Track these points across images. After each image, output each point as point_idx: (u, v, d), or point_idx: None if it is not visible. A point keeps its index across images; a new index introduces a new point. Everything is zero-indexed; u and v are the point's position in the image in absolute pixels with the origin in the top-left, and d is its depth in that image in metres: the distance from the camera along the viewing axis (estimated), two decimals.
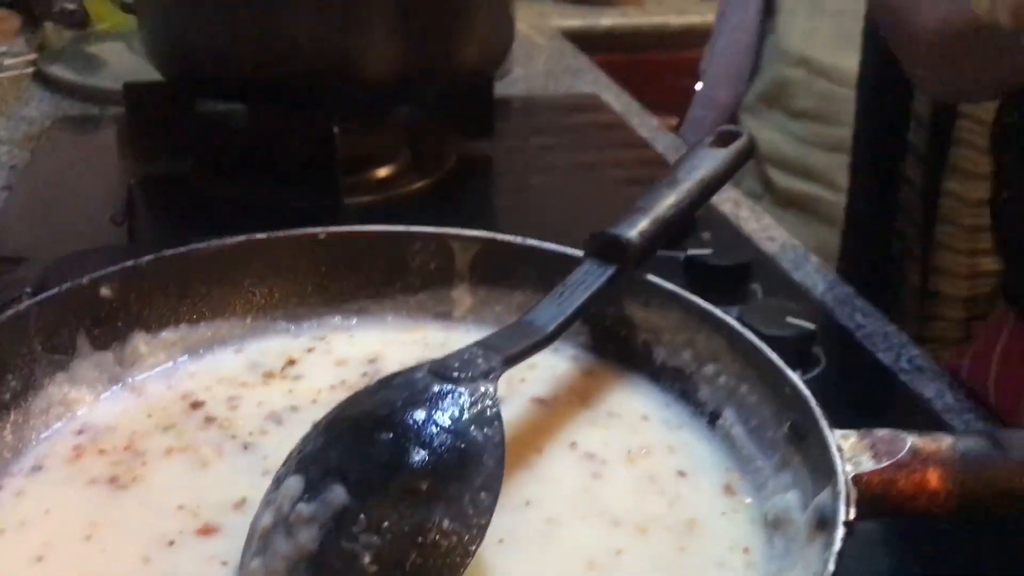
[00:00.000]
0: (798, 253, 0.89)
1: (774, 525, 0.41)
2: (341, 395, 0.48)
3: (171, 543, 0.40)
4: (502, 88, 1.01)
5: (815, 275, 0.87)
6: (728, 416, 0.46)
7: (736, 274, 0.80)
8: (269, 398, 0.48)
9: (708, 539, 0.41)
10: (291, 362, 0.51)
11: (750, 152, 0.57)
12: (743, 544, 0.40)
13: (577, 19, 1.68)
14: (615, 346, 0.52)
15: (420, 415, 0.38)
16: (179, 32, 0.92)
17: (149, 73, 1.08)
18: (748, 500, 0.43)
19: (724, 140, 0.56)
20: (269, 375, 0.50)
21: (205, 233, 0.58)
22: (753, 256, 0.82)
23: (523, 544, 0.40)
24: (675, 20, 1.65)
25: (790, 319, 0.72)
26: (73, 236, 0.84)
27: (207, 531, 0.40)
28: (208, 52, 0.90)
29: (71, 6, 1.25)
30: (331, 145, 0.87)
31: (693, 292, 0.50)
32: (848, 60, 1.26)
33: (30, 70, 1.20)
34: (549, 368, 0.51)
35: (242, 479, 0.43)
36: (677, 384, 0.50)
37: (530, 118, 1.21)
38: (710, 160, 0.55)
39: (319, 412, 0.46)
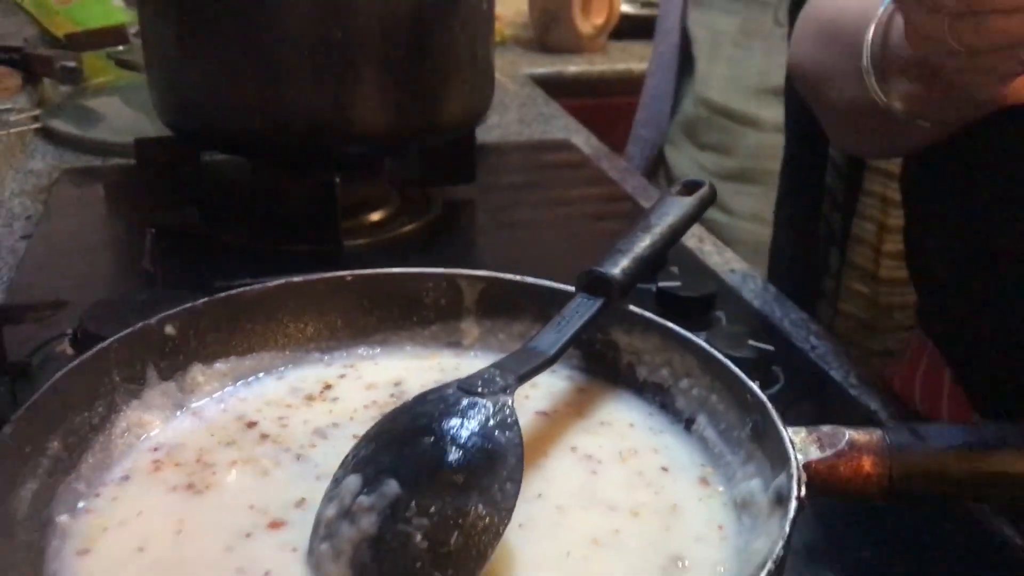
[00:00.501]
0: (757, 284, 0.99)
1: (742, 506, 0.50)
2: (374, 413, 0.57)
3: (248, 535, 0.48)
4: (479, 134, 1.11)
5: (773, 303, 0.97)
6: (701, 421, 0.56)
7: (702, 303, 0.91)
8: (313, 417, 0.57)
9: (689, 520, 0.50)
10: (327, 386, 0.60)
11: (712, 198, 0.67)
12: (718, 523, 0.50)
13: (546, 66, 1.79)
14: (604, 366, 0.62)
15: (454, 423, 0.48)
16: (186, 92, 1.01)
17: (144, 125, 1.18)
18: (720, 488, 0.52)
19: (689, 189, 0.67)
20: (310, 397, 0.59)
21: (219, 277, 0.66)
22: (717, 287, 0.92)
23: (538, 527, 0.49)
24: (637, 67, 1.76)
25: (751, 342, 0.83)
26: (95, 280, 0.93)
27: (276, 525, 0.49)
28: (213, 111, 1.00)
29: (71, 64, 1.34)
30: (332, 195, 0.96)
31: (665, 320, 0.60)
32: (738, 101, 1.46)
33: (34, 125, 1.28)
34: (548, 386, 0.60)
35: (299, 483, 0.52)
36: (657, 397, 0.59)
37: (506, 162, 1.32)
38: (677, 207, 0.65)
39: (358, 427, 0.55)
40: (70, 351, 0.75)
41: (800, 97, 0.84)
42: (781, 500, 0.46)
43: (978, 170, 0.69)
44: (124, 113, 1.36)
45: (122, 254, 0.97)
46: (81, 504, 0.50)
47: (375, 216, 1.08)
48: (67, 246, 1.02)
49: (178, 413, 0.57)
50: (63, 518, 0.49)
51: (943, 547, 0.64)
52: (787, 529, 0.43)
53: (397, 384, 0.60)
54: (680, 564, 0.47)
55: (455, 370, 0.60)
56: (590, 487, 0.52)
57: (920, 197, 0.77)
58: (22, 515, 0.47)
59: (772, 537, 0.45)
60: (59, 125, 1.21)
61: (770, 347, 0.84)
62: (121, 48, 1.44)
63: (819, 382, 0.85)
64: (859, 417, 0.76)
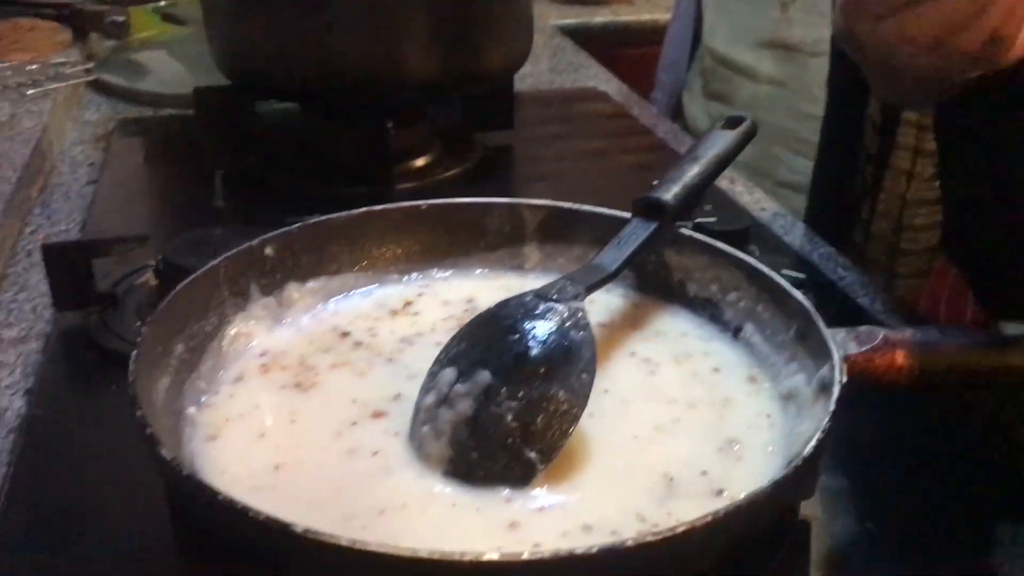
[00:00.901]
0: (787, 220, 1.06)
1: (787, 398, 0.57)
2: (451, 325, 0.64)
3: (354, 423, 0.56)
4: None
5: (802, 238, 1.04)
6: (748, 329, 0.63)
7: (737, 237, 0.97)
8: (398, 328, 0.64)
9: (740, 411, 0.57)
10: (408, 303, 0.67)
11: (753, 133, 0.74)
12: (766, 412, 0.57)
13: (572, 17, 1.84)
14: (656, 284, 0.68)
15: (535, 323, 0.55)
16: (243, 42, 1.06)
17: (191, 77, 1.24)
18: (767, 384, 0.59)
19: (732, 124, 0.73)
20: (394, 312, 0.66)
21: (287, 214, 0.73)
22: (750, 223, 0.99)
23: (607, 417, 0.56)
24: (662, 17, 1.81)
25: (784, 271, 0.89)
26: (166, 219, 1.00)
27: (378, 415, 0.56)
28: (268, 61, 1.05)
29: (120, 18, 1.40)
30: (386, 141, 1.02)
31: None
32: (739, 52, 1.53)
33: (87, 78, 1.35)
34: (605, 303, 0.67)
35: (393, 381, 0.59)
36: (707, 310, 0.66)
37: (541, 110, 1.37)
38: (722, 140, 0.71)
39: (440, 336, 0.62)
40: (154, 282, 0.81)
41: (844, 56, 0.88)
42: (824, 388, 0.53)
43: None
44: (171, 66, 1.41)
45: (190, 195, 1.04)
46: (204, 399, 0.57)
47: (420, 162, 1.14)
48: (133, 189, 1.09)
49: (278, 325, 0.65)
50: (191, 410, 0.56)
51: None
52: (831, 407, 0.50)
53: (470, 301, 0.67)
54: (734, 446, 0.54)
55: (519, 289, 0.67)
56: (650, 384, 0.59)
57: (954, 134, 0.83)
58: (160, 405, 0.54)
59: (817, 420, 0.52)
60: (110, 78, 1.26)
61: (801, 275, 0.91)
62: (165, 3, 1.50)
63: (847, 309, 0.91)
64: None
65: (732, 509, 0.43)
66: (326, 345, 0.62)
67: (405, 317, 0.65)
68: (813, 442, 0.47)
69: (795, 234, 1.03)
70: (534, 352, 0.53)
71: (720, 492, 0.50)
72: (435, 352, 0.57)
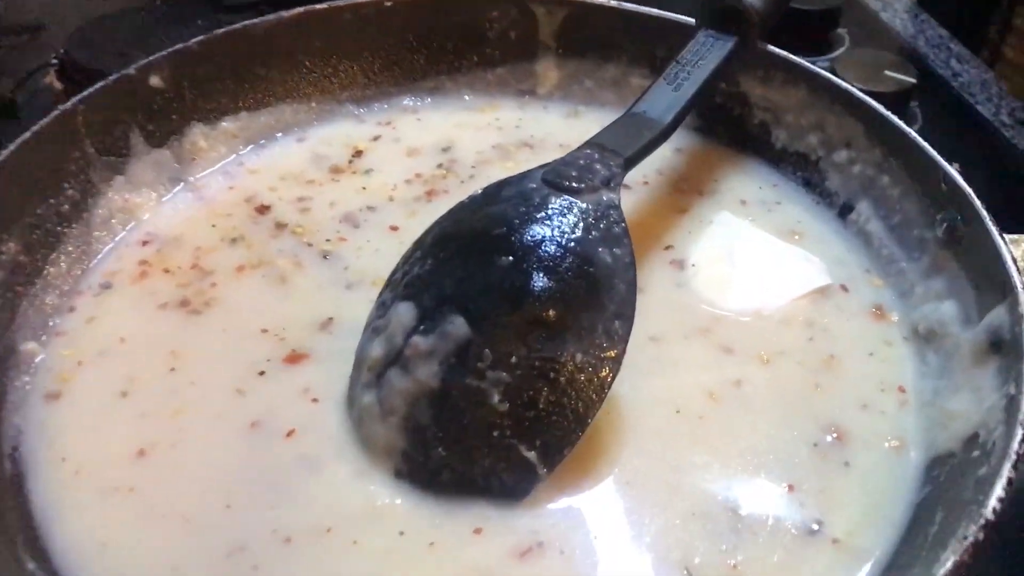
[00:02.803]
0: None
1: (926, 339, 0.38)
2: (418, 191, 0.45)
3: (261, 373, 0.38)
4: None
5: (904, 16, 0.80)
6: (863, 210, 0.43)
7: (824, 19, 0.74)
8: (341, 197, 0.45)
9: (848, 372, 0.38)
10: (357, 153, 0.48)
11: None
12: (892, 380, 0.38)
13: None
14: (726, 126, 0.48)
15: (540, 234, 0.35)
16: None
17: None
18: (894, 317, 0.40)
19: None
20: (336, 170, 0.47)
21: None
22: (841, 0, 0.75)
23: (651, 386, 0.38)
24: None
25: (888, 72, 0.67)
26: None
27: (297, 358, 0.38)
28: None
29: None
30: None
31: (777, 40, 0.45)
32: None
33: None
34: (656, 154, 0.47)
35: (325, 295, 0.41)
36: (800, 171, 0.46)
37: None
38: None
39: (398, 212, 0.43)
40: (58, 85, 0.62)
41: None
42: (999, 346, 0.34)
43: None
44: None
45: None
46: (52, 323, 0.39)
47: None
48: None
49: (175, 189, 0.45)
50: (29, 346, 0.38)
51: None
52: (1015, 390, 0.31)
53: (446, 149, 0.48)
54: (833, 434, 0.36)
55: (516, 128, 0.47)
56: (713, 324, 0.40)
57: None
58: None
59: (985, 400, 0.33)
60: None
61: (911, 80, 0.68)
62: None
63: (962, 116, 0.70)
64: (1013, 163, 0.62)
65: None
66: (235, 231, 0.43)
67: (351, 178, 0.46)
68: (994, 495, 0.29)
69: (895, 9, 0.80)
70: (538, 285, 0.33)
71: (815, 528, 0.32)
72: (389, 244, 0.39)
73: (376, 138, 0.48)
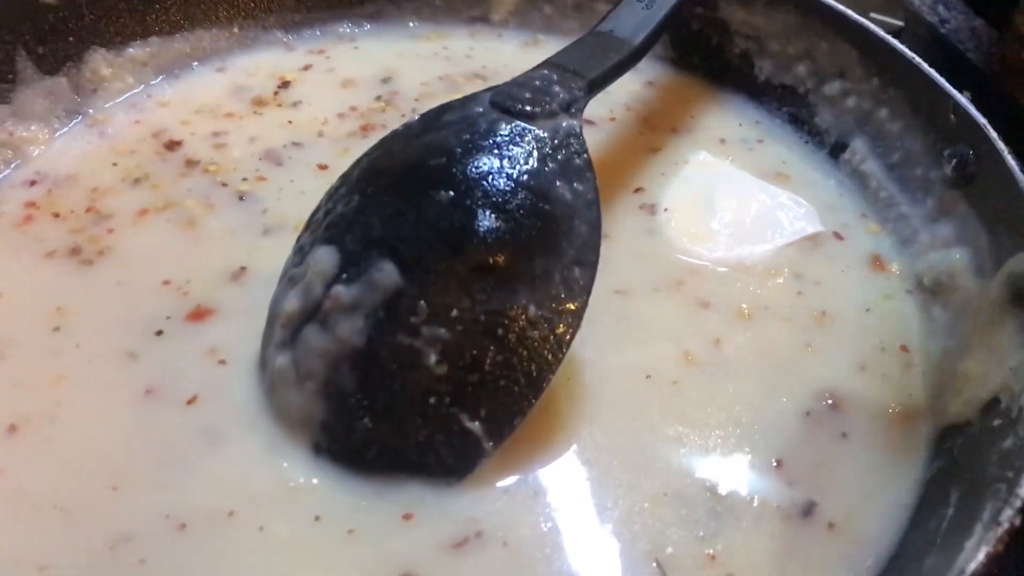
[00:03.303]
0: None
1: (932, 292, 0.34)
2: (352, 125, 0.40)
3: (159, 332, 0.32)
4: None
5: None
6: (858, 148, 0.38)
7: None
8: (263, 132, 0.40)
9: (843, 331, 0.34)
10: (284, 83, 0.42)
11: None
12: (895, 341, 0.33)
13: None
14: (704, 58, 0.43)
15: (487, 164, 0.30)
16: None
17: None
18: (895, 268, 0.35)
19: None
20: (259, 103, 0.41)
21: None
22: None
23: (616, 350, 0.33)
24: None
25: (874, 15, 0.63)
26: None
27: (201, 314, 0.33)
28: None
29: None
30: None
31: None
32: None
33: None
34: (614, 94, 0.42)
35: (239, 242, 0.35)
36: (787, 106, 0.41)
37: None
38: None
39: (328, 149, 0.38)
40: None
41: None
42: (1022, 299, 0.29)
43: None
44: None
45: None
46: None
47: None
48: None
49: (72, 123, 0.40)
50: None
51: None
52: None
53: (386, 81, 0.42)
54: (828, 401, 0.31)
55: (466, 58, 0.43)
56: (690, 276, 0.35)
57: None
58: None
59: (1006, 360, 0.28)
60: None
61: (898, 22, 0.64)
62: None
63: (951, 64, 0.65)
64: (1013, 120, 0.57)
65: None
66: (139, 170, 0.38)
67: (277, 112, 0.41)
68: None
69: None
70: (483, 226, 0.28)
71: (809, 511, 0.27)
72: (316, 185, 0.34)
73: (306, 68, 0.43)
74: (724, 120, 0.41)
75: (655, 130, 0.41)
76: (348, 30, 0.45)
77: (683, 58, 0.43)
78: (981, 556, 0.22)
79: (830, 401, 0.31)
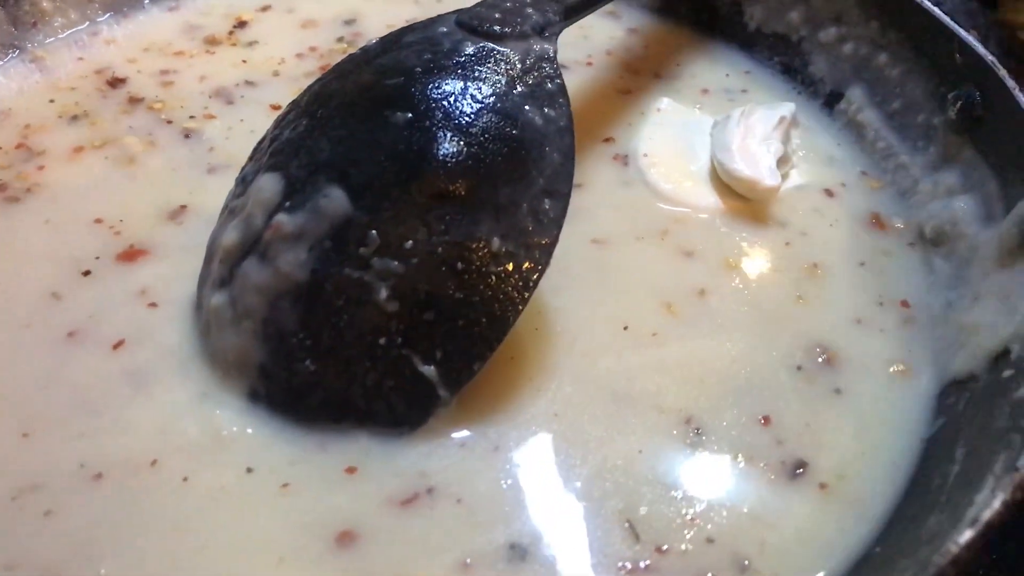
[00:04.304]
0: None
1: (934, 243, 0.31)
2: (310, 66, 0.37)
3: (86, 273, 0.29)
4: None
5: None
6: (855, 97, 0.36)
7: None
8: (215, 70, 0.37)
9: (838, 288, 0.31)
10: (241, 23, 0.40)
11: None
12: (896, 296, 0.31)
13: None
14: (691, 6, 0.41)
15: (449, 85, 0.27)
16: None
17: None
18: (899, 224, 0.33)
19: None
20: (213, 41, 0.39)
21: None
22: None
23: (588, 295, 0.30)
24: None
25: None
26: None
27: (132, 254, 0.30)
28: None
29: None
30: None
31: None
32: None
33: None
34: (596, 40, 0.39)
35: (181, 180, 0.33)
36: (779, 56, 0.39)
37: None
38: None
39: (283, 89, 0.35)
40: None
41: None
42: None
43: None
44: None
45: None
46: None
47: None
48: None
49: (8, 58, 0.37)
50: None
51: None
52: None
53: (349, 22, 0.40)
54: (821, 355, 0.28)
55: (437, 3, 0.40)
56: (673, 224, 0.33)
57: None
58: None
59: (1018, 309, 0.26)
60: None
61: None
62: None
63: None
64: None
65: None
66: (77, 107, 0.36)
67: (231, 51, 0.38)
68: None
69: None
70: (444, 150, 0.26)
71: (798, 471, 0.24)
72: (268, 124, 0.32)
73: (265, 8, 0.40)
74: (711, 70, 0.39)
75: (636, 76, 0.39)
76: None
77: (670, 6, 0.41)
78: (997, 503, 0.19)
79: (823, 356, 0.28)
